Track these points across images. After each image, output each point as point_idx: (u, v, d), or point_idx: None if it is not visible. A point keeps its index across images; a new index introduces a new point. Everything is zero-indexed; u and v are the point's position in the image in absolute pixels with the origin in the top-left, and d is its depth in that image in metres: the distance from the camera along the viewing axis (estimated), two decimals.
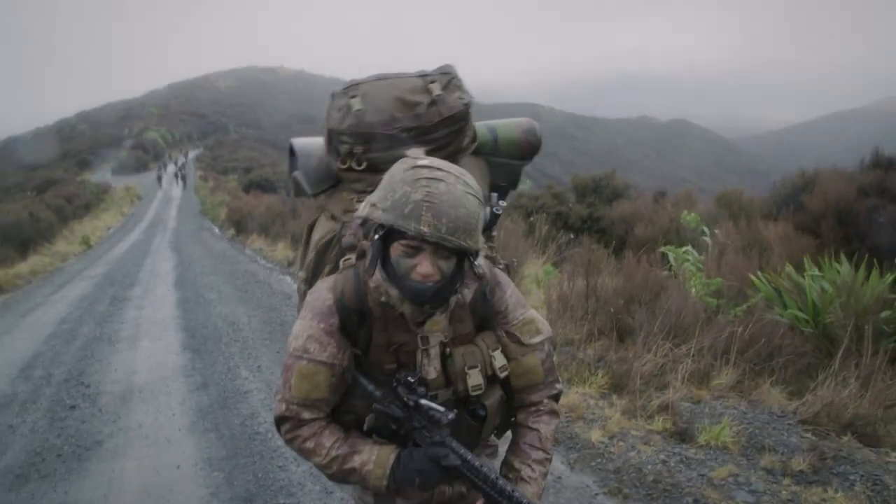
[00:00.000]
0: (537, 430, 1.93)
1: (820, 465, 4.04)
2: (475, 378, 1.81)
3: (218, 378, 6.33)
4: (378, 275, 1.67)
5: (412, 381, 1.72)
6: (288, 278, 12.23)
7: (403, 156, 1.74)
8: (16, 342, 8.64)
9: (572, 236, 12.62)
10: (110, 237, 25.29)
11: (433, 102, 1.85)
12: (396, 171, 1.64)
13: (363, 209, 1.66)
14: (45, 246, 21.01)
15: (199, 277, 12.96)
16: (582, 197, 16.16)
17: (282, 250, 15.46)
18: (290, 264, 13.57)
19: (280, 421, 1.76)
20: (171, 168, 58.95)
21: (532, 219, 13.90)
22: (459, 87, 1.94)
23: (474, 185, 1.64)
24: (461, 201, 1.58)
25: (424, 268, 1.61)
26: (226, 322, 8.67)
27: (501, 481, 1.68)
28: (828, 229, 9.00)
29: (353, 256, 1.80)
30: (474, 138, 2.05)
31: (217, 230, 24.07)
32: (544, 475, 1.91)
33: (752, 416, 4.79)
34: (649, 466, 4.11)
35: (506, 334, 1.85)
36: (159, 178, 52.42)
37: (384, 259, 1.66)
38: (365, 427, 1.80)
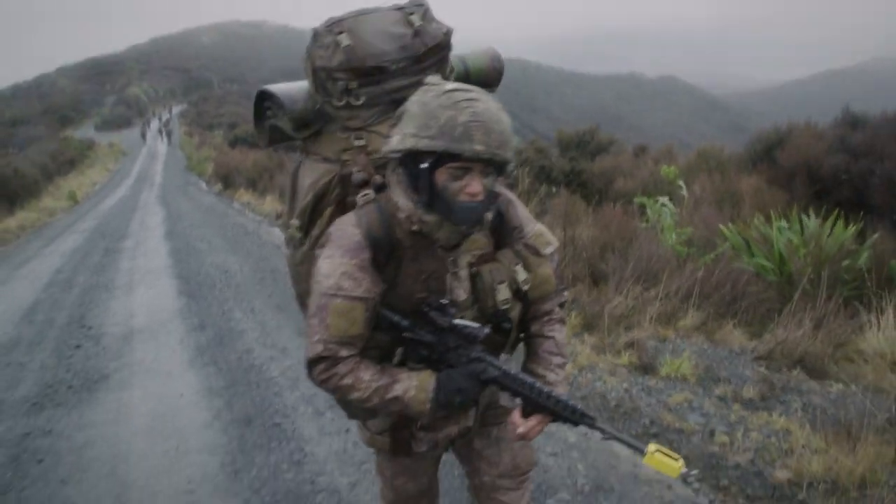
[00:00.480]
0: (553, 338, 2.01)
1: (768, 394, 4.43)
2: (504, 293, 1.86)
3: (214, 319, 6.69)
4: (408, 203, 1.72)
5: (445, 303, 1.78)
6: (276, 230, 12.50)
7: (397, 87, 1.84)
8: (14, 291, 8.93)
9: (554, 189, 12.93)
10: (97, 193, 25.37)
11: (416, 33, 1.86)
12: (428, 98, 1.67)
13: (399, 143, 1.68)
14: (31, 202, 21.22)
15: (190, 230, 13.22)
16: (566, 151, 16.46)
17: (270, 203, 15.68)
18: (279, 217, 13.83)
19: (315, 362, 1.76)
20: (154, 124, 58.45)
21: (515, 172, 14.25)
22: (434, 18, 1.95)
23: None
24: (499, 116, 1.64)
25: (474, 186, 1.65)
26: (218, 270, 9.00)
27: (538, 384, 1.76)
28: (798, 184, 9.39)
29: (369, 192, 1.82)
30: (452, 68, 2.07)
31: (204, 185, 24.19)
32: (566, 378, 1.99)
33: (712, 353, 5.15)
34: (613, 394, 4.49)
35: (524, 247, 1.89)
36: (143, 135, 51.62)
37: (416, 185, 1.69)
38: (395, 360, 1.84)
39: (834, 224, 6.36)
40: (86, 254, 11.44)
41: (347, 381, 1.73)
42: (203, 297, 7.61)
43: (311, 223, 1.92)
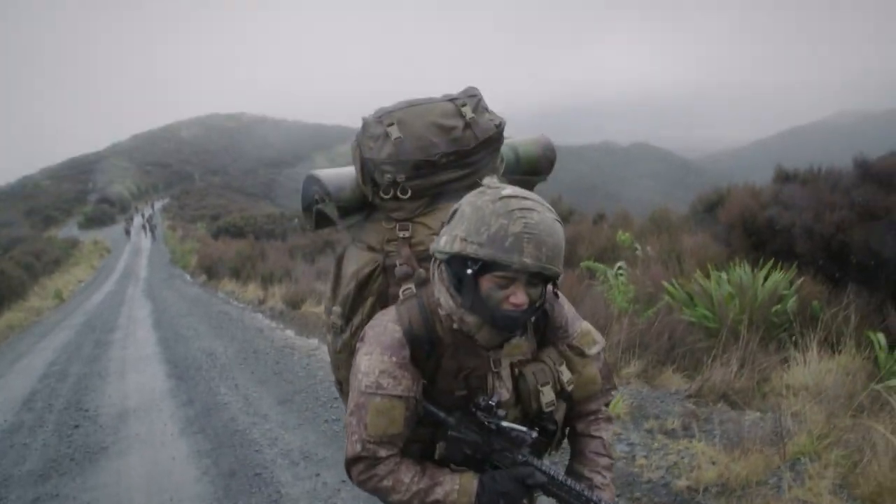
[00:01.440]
0: (600, 438, 1.98)
1: (690, 425, 5.02)
2: (548, 395, 1.82)
3: (201, 396, 7.30)
4: (449, 302, 1.67)
5: (492, 404, 1.73)
6: (259, 315, 13.18)
7: (445, 181, 1.86)
8: (11, 383, 9.48)
9: None
10: (83, 290, 25.86)
11: (467, 125, 1.84)
12: (482, 203, 1.61)
13: (447, 244, 1.63)
14: (17, 303, 21.68)
15: (176, 319, 13.84)
16: None
17: (252, 291, 16.38)
18: (262, 303, 14.51)
19: (353, 462, 1.74)
20: (137, 220, 58.94)
21: None
22: (487, 109, 1.93)
23: (553, 209, 1.65)
24: (553, 228, 1.59)
25: (519, 298, 1.60)
26: (204, 353, 9.62)
27: (587, 492, 1.72)
28: (735, 238, 10.15)
29: (411, 286, 1.80)
30: (502, 158, 2.07)
31: (189, 277, 24.85)
32: (612, 480, 1.95)
33: (648, 395, 5.75)
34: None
35: (568, 347, 1.85)
36: (127, 232, 52.37)
37: (460, 287, 1.64)
38: (437, 455, 1.79)
39: (767, 274, 7.05)
40: (77, 346, 11.99)
41: (387, 482, 1.72)
42: (190, 378, 8.22)
43: (352, 311, 1.93)
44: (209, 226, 42.78)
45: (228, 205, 58.51)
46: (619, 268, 9.00)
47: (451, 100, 1.90)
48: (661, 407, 5.40)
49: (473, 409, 1.73)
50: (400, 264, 1.83)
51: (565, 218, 16.95)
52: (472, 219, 1.59)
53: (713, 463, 4.12)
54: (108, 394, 7.97)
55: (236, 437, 5.75)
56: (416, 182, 1.82)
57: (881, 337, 5.46)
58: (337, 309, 1.97)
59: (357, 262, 1.92)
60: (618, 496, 4.05)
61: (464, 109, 1.87)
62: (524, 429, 1.71)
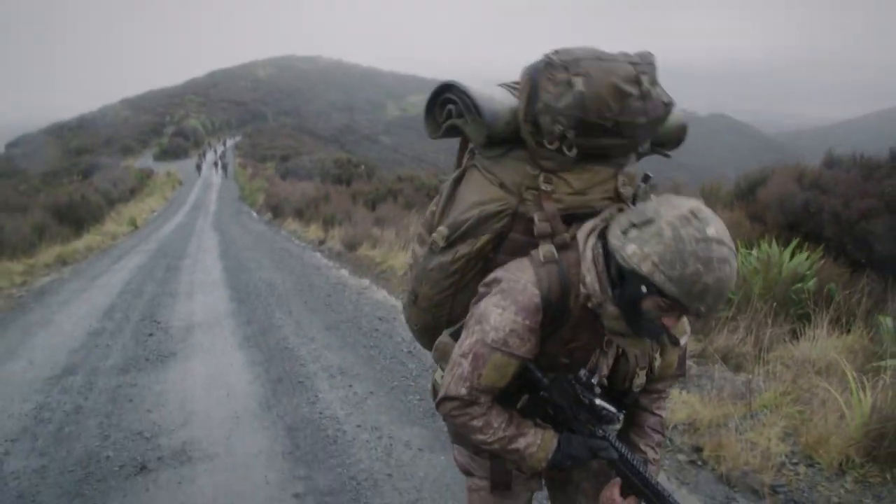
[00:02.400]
0: (661, 416, 2.04)
1: (687, 381, 5.68)
2: (641, 378, 1.88)
3: (259, 318, 8.22)
4: (596, 287, 1.68)
5: (594, 382, 1.79)
6: (318, 254, 14.11)
7: (607, 145, 1.75)
8: (93, 297, 10.55)
9: None
10: (155, 219, 27.21)
11: (642, 97, 1.70)
12: (686, 235, 1.53)
13: (636, 260, 1.58)
14: (95, 227, 22.62)
15: (241, 252, 14.87)
16: None
17: (314, 231, 17.32)
18: (322, 243, 15.43)
19: (451, 399, 1.77)
20: (210, 156, 60.15)
21: None
22: (658, 83, 1.78)
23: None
24: (734, 276, 1.55)
25: (672, 321, 1.64)
26: (264, 283, 10.57)
27: (651, 478, 1.78)
28: (771, 217, 10.62)
29: (551, 247, 1.73)
30: None
31: (255, 214, 26.00)
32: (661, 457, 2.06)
33: None
34: None
35: (667, 336, 1.75)
36: (199, 167, 53.50)
37: (621, 289, 1.66)
38: (518, 405, 1.84)
39: (793, 254, 7.54)
40: (151, 269, 13.07)
41: (477, 423, 1.75)
42: (250, 303, 9.16)
43: (461, 239, 1.85)
44: (278, 166, 43.81)
45: (298, 146, 59.50)
46: None
47: (633, 63, 1.73)
48: None
49: (572, 380, 1.78)
50: (540, 220, 1.75)
51: None
52: (671, 248, 1.53)
53: (686, 407, 4.79)
54: (177, 310, 8.96)
55: (286, 353, 6.64)
56: (581, 141, 1.70)
57: (889, 320, 5.79)
58: (443, 230, 1.88)
59: (484, 194, 1.84)
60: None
61: (643, 78, 1.71)
62: (614, 410, 1.79)
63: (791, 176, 11.64)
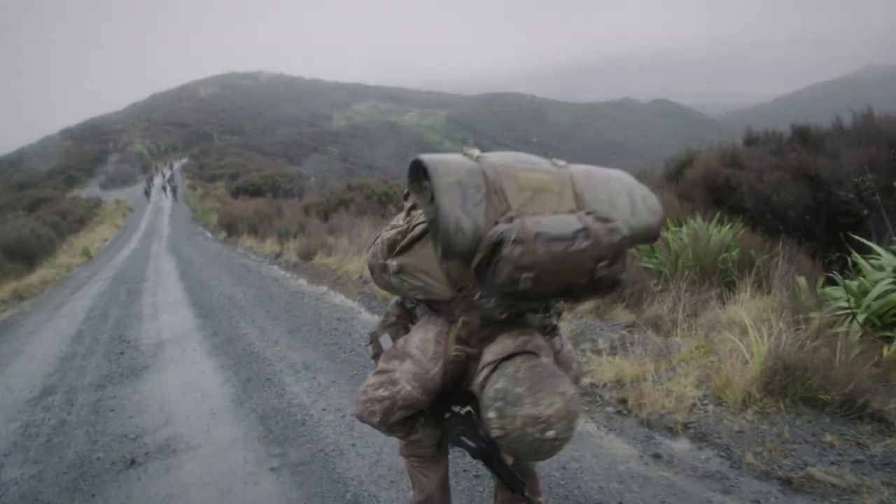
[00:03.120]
0: None
1: (618, 346, 6.23)
2: None
3: (224, 329, 8.68)
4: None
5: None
6: (275, 267, 14.54)
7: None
8: (59, 325, 10.89)
9: None
10: (109, 247, 27.20)
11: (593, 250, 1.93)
12: (528, 431, 1.97)
13: (492, 421, 2.03)
14: (48, 260, 22.81)
15: (199, 271, 15.22)
16: None
17: (269, 245, 17.72)
18: (278, 256, 15.85)
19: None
20: (158, 180, 59.82)
21: None
22: (607, 219, 1.99)
23: None
24: (552, 454, 2.05)
25: None
26: (226, 298, 11.00)
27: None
28: (698, 195, 11.34)
29: (462, 352, 2.30)
30: None
31: (209, 234, 26.23)
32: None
33: (593, 325, 6.84)
34: None
35: None
36: (147, 193, 52.98)
37: None
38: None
39: (717, 226, 8.12)
40: (112, 295, 13.39)
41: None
42: (215, 316, 9.60)
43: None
44: (228, 185, 43.93)
45: (247, 163, 59.49)
46: None
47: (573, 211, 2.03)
48: (600, 334, 6.42)
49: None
50: (462, 327, 2.24)
51: None
52: (512, 435, 1.98)
53: (614, 367, 5.36)
54: (144, 329, 9.36)
55: (252, 356, 7.12)
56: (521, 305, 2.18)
57: (803, 280, 6.34)
58: (395, 265, 2.34)
59: (432, 272, 2.23)
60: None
61: (589, 228, 1.92)
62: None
63: (715, 156, 12.39)
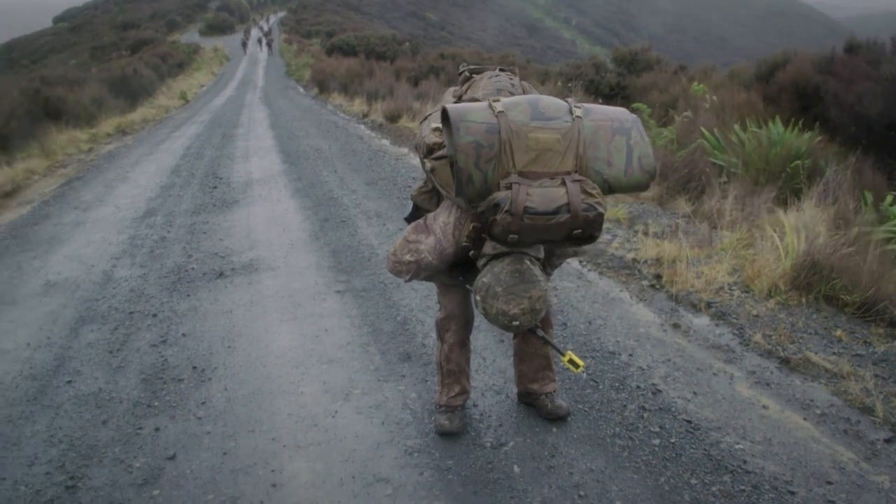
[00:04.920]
0: None
1: (669, 232, 6.49)
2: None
3: (308, 175, 9.39)
4: None
5: None
6: (362, 126, 15.06)
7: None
8: (159, 159, 11.78)
9: (600, 101, 14.98)
10: (205, 94, 28.08)
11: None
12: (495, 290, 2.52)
13: (480, 283, 2.55)
14: (148, 100, 23.64)
15: (290, 122, 15.92)
16: (619, 67, 18.36)
17: (358, 105, 18.16)
18: (365, 116, 16.36)
19: None
20: (254, 32, 60.03)
21: (570, 84, 16.38)
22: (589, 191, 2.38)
23: None
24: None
25: None
26: (312, 149, 11.69)
27: None
28: (784, 99, 11.29)
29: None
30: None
31: (301, 89, 26.80)
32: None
33: (652, 211, 7.08)
34: None
35: None
36: (244, 44, 52.95)
37: None
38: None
39: (795, 132, 8.16)
40: (207, 137, 14.23)
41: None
42: (300, 164, 10.31)
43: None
44: (324, 42, 44.07)
45: (343, 22, 59.26)
46: (686, 116, 10.36)
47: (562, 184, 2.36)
48: (656, 219, 6.69)
49: None
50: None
51: (650, 66, 17.99)
52: (488, 293, 2.53)
53: (657, 247, 5.74)
54: (236, 169, 10.15)
55: (331, 201, 7.82)
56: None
57: (870, 195, 6.50)
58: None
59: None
60: (587, 261, 5.75)
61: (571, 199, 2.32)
62: None
63: (810, 61, 12.20)
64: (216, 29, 66.47)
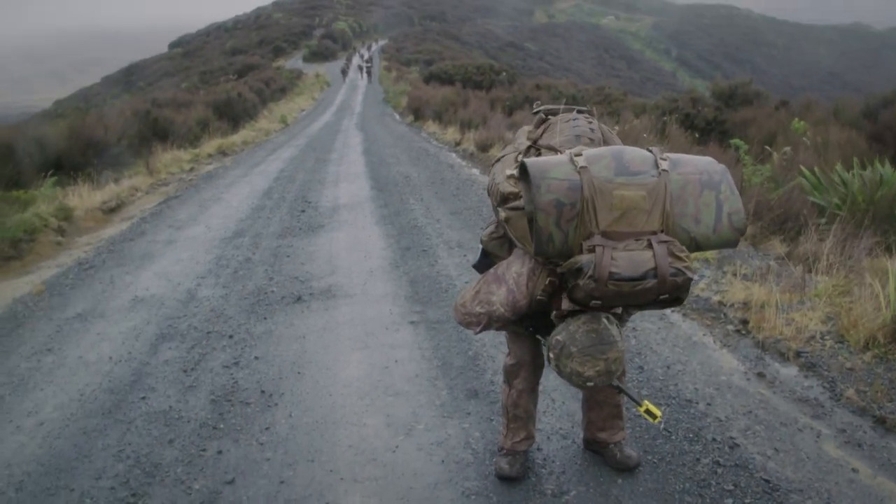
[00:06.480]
0: None
1: (759, 274, 6.19)
2: None
3: (394, 202, 9.46)
4: None
5: None
6: (453, 154, 15.14)
7: None
8: (253, 181, 12.09)
9: (696, 136, 14.69)
10: (304, 118, 28.78)
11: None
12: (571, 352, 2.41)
13: (554, 342, 2.44)
14: (250, 123, 24.41)
15: (382, 149, 16.15)
16: (717, 101, 17.99)
17: (451, 133, 18.26)
18: (458, 144, 16.46)
19: None
20: (356, 60, 61.38)
21: (665, 118, 16.11)
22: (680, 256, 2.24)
23: None
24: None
25: None
26: (401, 176, 11.79)
27: None
28: (892, 138, 10.86)
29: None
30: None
31: (397, 116, 27.24)
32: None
33: (744, 252, 6.71)
34: None
35: None
36: (344, 72, 53.66)
37: None
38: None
39: None
40: (301, 161, 14.55)
41: None
42: (388, 191, 10.40)
43: None
44: (422, 70, 44.72)
45: (442, 51, 60.04)
46: (784, 152, 10.05)
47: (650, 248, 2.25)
48: (747, 261, 6.35)
49: None
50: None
51: (749, 101, 17.55)
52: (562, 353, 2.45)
53: (746, 290, 5.51)
54: (325, 194, 10.32)
55: (415, 229, 7.83)
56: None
57: None
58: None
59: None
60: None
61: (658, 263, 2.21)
62: None
63: None
64: (319, 56, 68.14)
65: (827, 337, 4.61)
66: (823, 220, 7.63)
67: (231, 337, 4.89)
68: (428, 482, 3.10)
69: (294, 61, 61.99)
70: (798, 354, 4.39)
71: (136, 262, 7.07)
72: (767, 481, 3.06)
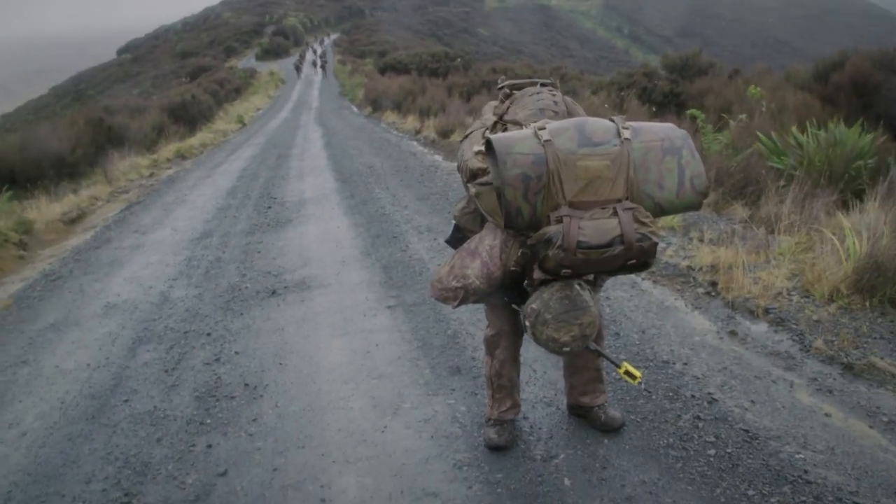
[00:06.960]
0: None
1: (725, 238, 6.26)
2: None
3: (360, 193, 9.45)
4: None
5: None
6: (414, 142, 15.12)
7: None
8: (216, 181, 12.01)
9: (654, 109, 14.82)
10: (261, 116, 28.50)
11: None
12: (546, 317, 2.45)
13: (530, 310, 2.48)
14: (206, 125, 24.15)
15: (343, 142, 16.10)
16: (671, 74, 18.16)
17: (410, 122, 18.23)
18: (418, 132, 16.44)
19: None
20: (309, 56, 60.94)
21: (622, 93, 16.25)
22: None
23: None
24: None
25: None
26: (365, 166, 11.77)
27: None
28: (843, 98, 11.02)
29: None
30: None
31: (355, 108, 27.12)
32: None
33: (707, 217, 6.85)
34: None
35: None
36: (297, 68, 53.38)
37: None
38: None
39: (857, 133, 7.92)
40: (263, 159, 14.45)
41: None
42: (353, 182, 10.39)
43: None
44: (377, 61, 44.54)
45: (395, 41, 59.84)
46: (740, 119, 10.17)
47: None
48: (712, 226, 6.48)
49: None
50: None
51: (704, 70, 17.74)
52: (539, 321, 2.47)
53: (713, 254, 5.59)
54: (290, 189, 10.29)
55: (383, 217, 7.85)
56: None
57: None
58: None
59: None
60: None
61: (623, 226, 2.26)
62: None
63: (869, 59, 11.90)
64: (272, 53, 67.52)
65: (793, 293, 4.73)
66: (782, 183, 7.76)
67: (209, 335, 4.89)
68: (419, 458, 3.14)
69: (247, 60, 61.39)
70: (767, 311, 4.51)
71: (104, 269, 7.01)
72: (746, 431, 3.15)
